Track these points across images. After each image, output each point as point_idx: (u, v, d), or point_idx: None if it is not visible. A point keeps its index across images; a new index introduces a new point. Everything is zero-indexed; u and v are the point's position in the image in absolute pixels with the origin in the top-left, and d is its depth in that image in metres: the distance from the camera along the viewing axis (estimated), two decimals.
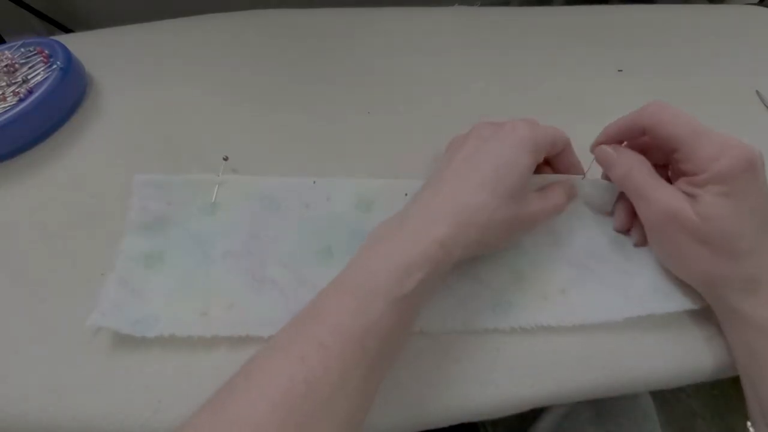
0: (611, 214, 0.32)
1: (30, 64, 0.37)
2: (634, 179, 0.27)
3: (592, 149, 0.30)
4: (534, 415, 0.40)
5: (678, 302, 0.28)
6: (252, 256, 0.29)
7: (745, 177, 0.24)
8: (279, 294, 0.27)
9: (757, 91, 0.43)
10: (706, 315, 0.28)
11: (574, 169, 0.31)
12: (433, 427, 0.25)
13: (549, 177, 0.31)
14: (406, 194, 0.32)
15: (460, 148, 0.28)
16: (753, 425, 0.26)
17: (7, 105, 0.34)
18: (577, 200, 0.32)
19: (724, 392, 0.91)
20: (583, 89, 0.43)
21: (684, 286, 0.28)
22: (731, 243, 0.25)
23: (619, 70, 0.45)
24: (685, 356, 0.27)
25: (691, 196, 0.25)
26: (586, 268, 0.30)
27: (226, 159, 0.33)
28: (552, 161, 0.31)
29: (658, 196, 0.26)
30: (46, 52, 0.38)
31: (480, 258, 0.29)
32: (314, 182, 0.32)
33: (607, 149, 0.29)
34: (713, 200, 0.24)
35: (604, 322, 0.27)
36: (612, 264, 0.30)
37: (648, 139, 0.28)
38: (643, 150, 0.29)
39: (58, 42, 0.39)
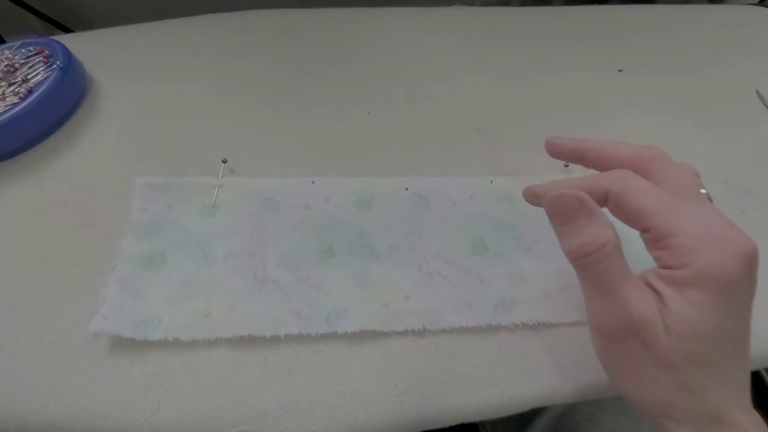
0: None
1: (30, 64, 0.37)
2: (603, 263, 0.19)
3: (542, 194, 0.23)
4: (534, 414, 0.40)
5: None
6: (253, 258, 0.29)
7: (740, 281, 0.18)
8: (280, 294, 0.27)
9: (757, 91, 0.43)
10: None
11: None
12: (433, 427, 0.25)
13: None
14: (406, 189, 0.32)
15: None
16: None
17: (6, 105, 0.34)
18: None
19: None
20: (583, 89, 0.43)
21: None
22: (703, 371, 0.18)
23: (619, 70, 0.45)
24: None
25: (660, 295, 0.19)
26: None
27: (224, 161, 0.33)
28: None
29: (626, 297, 0.19)
30: (46, 52, 0.38)
31: (480, 257, 0.29)
32: (313, 182, 0.32)
33: (580, 197, 0.20)
34: (692, 313, 0.18)
35: None
36: None
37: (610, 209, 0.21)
38: None
39: (57, 42, 0.39)
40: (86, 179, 0.33)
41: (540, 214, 0.31)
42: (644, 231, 0.20)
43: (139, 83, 0.41)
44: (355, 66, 0.44)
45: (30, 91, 0.35)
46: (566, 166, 0.35)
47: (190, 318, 0.26)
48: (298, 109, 0.39)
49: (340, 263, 0.29)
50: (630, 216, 0.20)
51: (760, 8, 0.56)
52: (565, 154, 0.25)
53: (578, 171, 0.34)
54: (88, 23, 0.76)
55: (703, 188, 0.22)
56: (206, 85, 0.41)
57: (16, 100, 0.34)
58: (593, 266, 0.20)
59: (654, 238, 0.19)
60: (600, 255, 0.19)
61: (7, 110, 0.33)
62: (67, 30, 0.74)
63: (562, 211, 0.21)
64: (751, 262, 0.18)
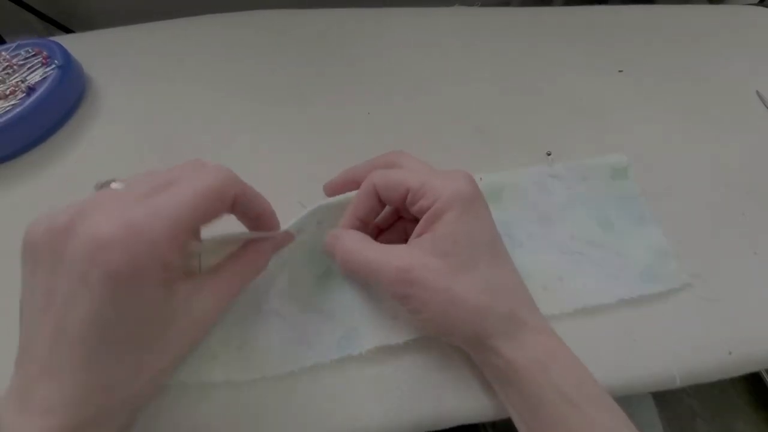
0: None
1: (29, 66, 0.37)
2: (358, 256, 0.24)
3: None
4: None
5: (667, 281, 0.29)
6: (249, 288, 0.26)
7: (473, 193, 0.24)
8: (287, 326, 0.26)
9: (757, 91, 0.43)
10: (704, 316, 0.28)
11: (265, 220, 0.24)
12: (433, 428, 0.25)
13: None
14: None
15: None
16: None
17: (6, 106, 0.34)
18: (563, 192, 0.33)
19: (724, 392, 0.91)
20: (583, 89, 0.43)
21: (671, 264, 0.30)
22: (477, 271, 0.23)
23: (619, 71, 0.45)
24: (684, 358, 0.27)
25: (432, 231, 0.24)
26: (580, 253, 0.30)
27: None
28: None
29: (385, 260, 0.23)
30: (45, 53, 0.38)
31: None
32: (300, 203, 0.29)
33: (328, 239, 0.26)
34: (448, 227, 0.23)
35: (602, 305, 0.28)
36: (603, 248, 0.31)
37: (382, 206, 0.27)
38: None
39: (56, 43, 0.39)
40: (86, 180, 0.33)
41: (527, 208, 0.32)
42: (405, 193, 0.25)
43: (138, 83, 0.41)
44: (355, 66, 0.44)
45: (29, 93, 0.35)
46: (548, 154, 0.35)
47: (196, 361, 0.25)
48: (298, 110, 0.39)
49: (341, 284, 0.28)
50: (394, 188, 0.25)
51: (760, 8, 0.55)
52: (339, 189, 0.29)
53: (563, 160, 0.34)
54: (88, 23, 0.76)
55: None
56: (205, 85, 0.41)
57: (15, 102, 0.34)
58: (354, 265, 0.25)
59: (413, 196, 0.24)
60: (350, 255, 0.25)
61: (6, 112, 0.33)
62: (67, 30, 0.74)
63: (328, 251, 0.26)
64: (473, 181, 0.25)
